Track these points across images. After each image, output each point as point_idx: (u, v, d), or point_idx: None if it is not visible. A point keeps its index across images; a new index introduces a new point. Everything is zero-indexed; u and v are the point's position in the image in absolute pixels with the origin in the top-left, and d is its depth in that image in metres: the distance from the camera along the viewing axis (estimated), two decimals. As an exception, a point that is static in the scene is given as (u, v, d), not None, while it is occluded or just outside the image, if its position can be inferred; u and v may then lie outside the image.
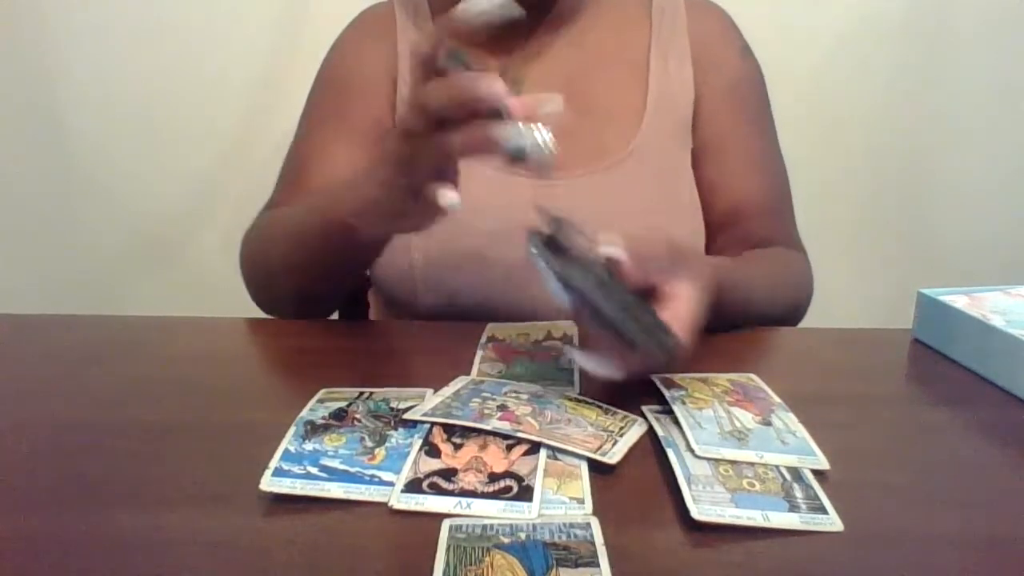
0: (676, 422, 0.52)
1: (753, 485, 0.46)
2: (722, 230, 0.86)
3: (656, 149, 0.84)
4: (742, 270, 0.74)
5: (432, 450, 0.49)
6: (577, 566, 0.38)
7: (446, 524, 0.42)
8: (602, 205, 0.80)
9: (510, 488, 0.45)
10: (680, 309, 0.55)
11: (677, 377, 0.59)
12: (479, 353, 0.65)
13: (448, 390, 0.57)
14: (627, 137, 0.83)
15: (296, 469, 0.47)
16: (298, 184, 0.84)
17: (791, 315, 0.82)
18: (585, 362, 0.54)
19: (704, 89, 0.87)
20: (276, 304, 0.81)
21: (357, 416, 0.54)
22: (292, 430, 0.51)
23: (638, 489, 0.47)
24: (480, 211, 0.79)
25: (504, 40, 0.84)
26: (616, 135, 0.83)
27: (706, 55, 0.87)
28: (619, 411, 0.54)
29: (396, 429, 0.52)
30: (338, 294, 0.83)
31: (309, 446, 0.49)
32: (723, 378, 0.60)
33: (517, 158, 0.50)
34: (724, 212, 0.86)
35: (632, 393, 0.57)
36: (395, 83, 0.86)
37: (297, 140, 0.88)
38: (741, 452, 0.49)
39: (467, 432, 0.51)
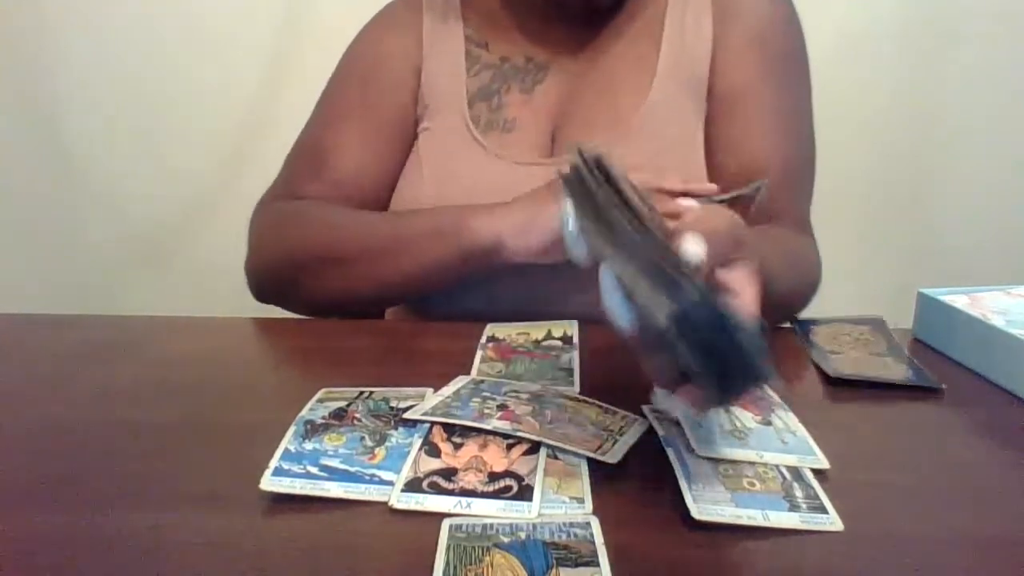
0: (676, 422, 0.52)
1: (753, 484, 0.46)
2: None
3: (667, 117, 0.79)
4: (767, 253, 0.71)
5: (432, 449, 0.49)
6: (577, 566, 0.38)
7: (446, 523, 0.42)
8: None
9: (510, 487, 0.45)
10: (743, 305, 0.46)
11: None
12: (479, 353, 0.65)
13: (448, 390, 0.57)
14: (637, 104, 0.79)
15: (296, 469, 0.47)
16: (319, 173, 0.83)
17: (798, 304, 0.79)
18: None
19: (723, 39, 0.80)
20: (292, 292, 0.78)
21: (357, 416, 0.54)
22: (292, 430, 0.51)
23: (638, 489, 0.47)
24: (499, 200, 0.78)
25: (545, 31, 0.83)
26: (627, 103, 0.80)
27: (730, 3, 0.81)
28: (619, 411, 0.54)
29: (396, 429, 0.52)
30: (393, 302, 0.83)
31: (309, 446, 0.49)
32: (723, 378, 0.60)
33: None
34: (736, 175, 0.76)
35: (632, 393, 0.57)
36: (419, 75, 0.85)
37: (315, 127, 0.86)
38: (741, 452, 0.49)
39: (467, 432, 0.51)
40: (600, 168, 0.43)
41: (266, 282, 0.81)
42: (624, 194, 0.42)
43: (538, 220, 0.67)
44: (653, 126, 0.79)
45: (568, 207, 0.44)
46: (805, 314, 0.81)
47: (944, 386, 0.60)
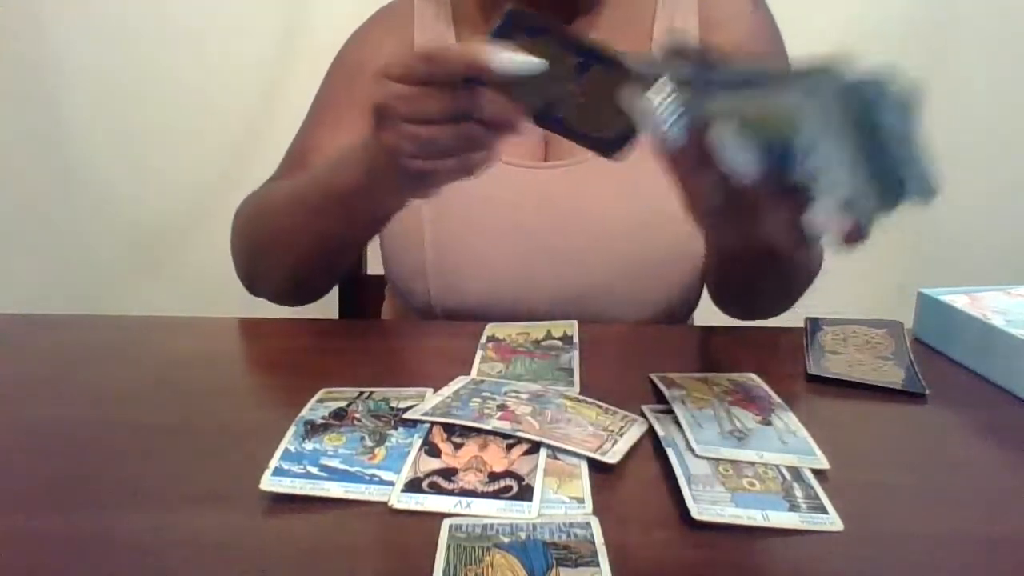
0: (676, 422, 0.52)
1: (753, 484, 0.46)
2: None
3: None
4: None
5: (432, 450, 0.49)
6: (577, 566, 0.38)
7: (446, 524, 0.42)
8: (607, 189, 0.78)
9: (510, 488, 0.45)
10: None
11: (677, 377, 0.59)
12: (479, 353, 0.65)
13: (448, 390, 0.57)
14: None
15: (296, 469, 0.47)
16: (300, 168, 0.82)
17: (803, 282, 0.79)
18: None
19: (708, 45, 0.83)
20: (262, 278, 0.80)
21: (357, 416, 0.54)
22: (292, 430, 0.51)
23: (638, 489, 0.47)
24: (491, 204, 0.78)
25: None
26: None
27: (714, 11, 0.83)
28: (619, 411, 0.54)
29: (396, 429, 0.52)
30: (330, 273, 0.81)
31: (309, 446, 0.49)
32: (723, 378, 0.60)
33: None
34: None
35: (632, 393, 0.58)
36: None
37: (305, 125, 0.87)
38: (741, 452, 0.49)
39: (467, 432, 0.51)
40: (678, 46, 0.46)
41: (243, 278, 0.82)
42: (706, 55, 0.45)
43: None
44: None
45: (663, 93, 0.44)
46: (818, 315, 0.81)
47: (928, 391, 0.60)
